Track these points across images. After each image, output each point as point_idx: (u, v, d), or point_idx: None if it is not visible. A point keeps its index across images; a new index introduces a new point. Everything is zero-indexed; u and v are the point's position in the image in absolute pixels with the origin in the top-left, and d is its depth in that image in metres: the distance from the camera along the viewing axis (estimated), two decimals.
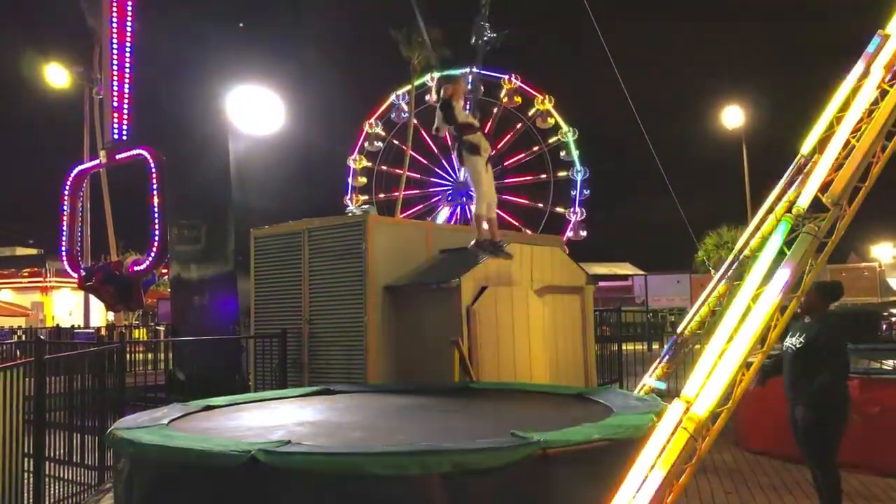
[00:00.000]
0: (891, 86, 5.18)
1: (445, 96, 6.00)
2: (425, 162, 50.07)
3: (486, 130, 6.28)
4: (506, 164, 49.05)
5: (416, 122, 46.20)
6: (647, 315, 29.05)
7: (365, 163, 50.48)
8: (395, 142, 49.75)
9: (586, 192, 47.79)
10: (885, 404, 7.66)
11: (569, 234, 47.14)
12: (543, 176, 48.64)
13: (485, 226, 6.83)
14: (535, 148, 48.53)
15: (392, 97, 49.58)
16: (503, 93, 47.45)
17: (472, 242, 6.01)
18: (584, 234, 48.03)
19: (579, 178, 47.66)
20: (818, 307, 6.02)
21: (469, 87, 46.64)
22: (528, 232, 45.61)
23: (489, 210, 6.15)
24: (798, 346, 5.93)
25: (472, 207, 7.14)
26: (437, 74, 46.24)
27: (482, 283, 8.54)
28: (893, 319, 21.81)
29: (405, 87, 47.23)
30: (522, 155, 49.04)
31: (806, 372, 5.82)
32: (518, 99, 47.46)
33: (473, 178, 6.16)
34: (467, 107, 47.24)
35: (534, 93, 47.28)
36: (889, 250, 56.57)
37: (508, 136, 48.84)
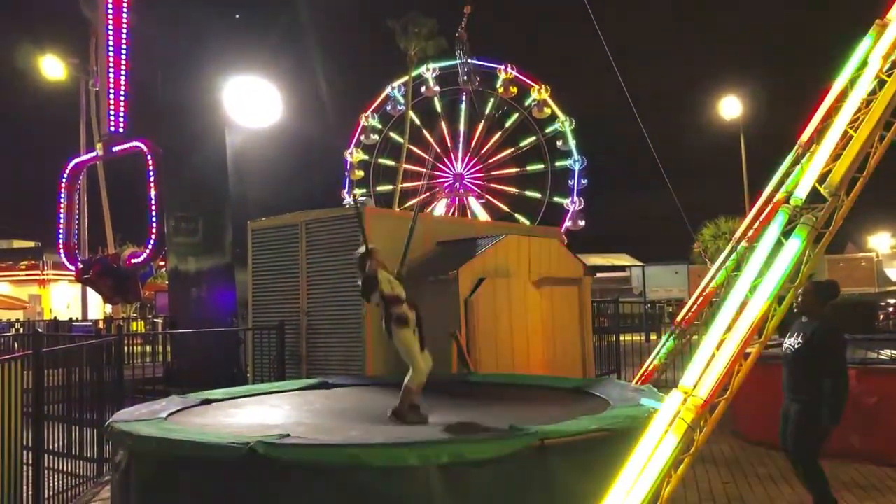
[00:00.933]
0: (889, 75, 5.16)
1: (370, 272, 5.78)
2: (423, 154, 49.96)
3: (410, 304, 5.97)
4: (503, 155, 49.08)
5: (412, 114, 46.09)
6: (644, 306, 29.07)
7: (362, 156, 50.29)
8: (392, 134, 49.58)
9: (584, 181, 47.79)
10: (882, 394, 7.68)
11: (567, 223, 47.18)
12: (541, 166, 48.62)
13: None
14: (533, 138, 48.48)
15: (388, 89, 49.37)
16: (499, 83, 47.34)
17: (390, 412, 5.70)
18: (582, 223, 48.02)
19: (577, 167, 47.64)
20: (814, 307, 6.00)
21: (465, 78, 46.59)
22: (527, 223, 45.73)
23: (420, 382, 5.85)
24: (796, 346, 5.92)
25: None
26: (434, 65, 46.33)
27: (480, 274, 8.54)
28: (890, 310, 21.85)
29: (401, 79, 47.08)
30: (507, 150, 49.11)
31: (805, 372, 5.81)
32: (514, 89, 47.34)
33: (406, 352, 5.83)
34: (462, 108, 47.27)
35: (530, 83, 47.18)
36: (887, 240, 56.64)
37: (491, 134, 48.92)
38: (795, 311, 6.09)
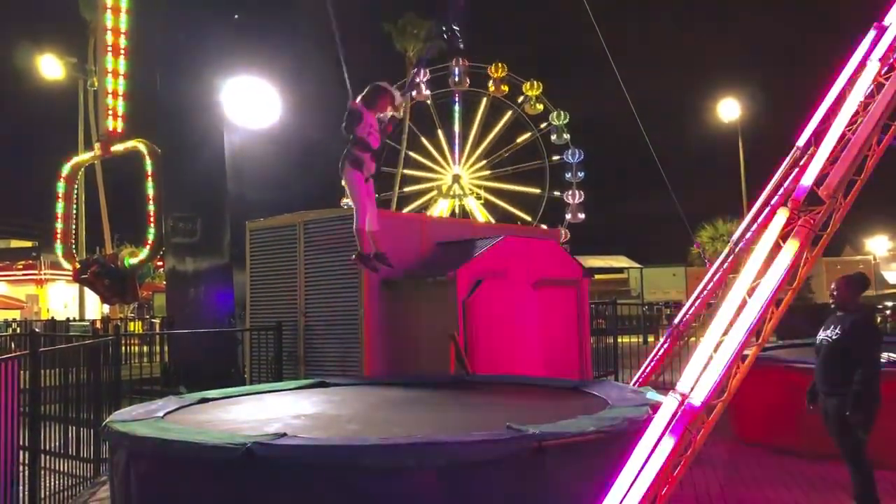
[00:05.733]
0: (886, 79, 5.18)
1: (357, 106, 5.82)
2: (420, 158, 49.98)
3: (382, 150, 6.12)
4: (499, 153, 49.22)
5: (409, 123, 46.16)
6: (642, 308, 29.07)
7: None
8: (389, 140, 49.51)
9: (581, 174, 47.92)
10: (887, 398, 7.67)
11: (567, 216, 47.38)
12: (538, 161, 48.76)
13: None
14: (528, 134, 48.58)
15: None
16: (490, 82, 47.44)
17: (354, 255, 5.83)
18: (582, 216, 48.18)
19: (574, 160, 47.76)
20: (849, 300, 6.04)
21: (456, 79, 46.52)
22: (528, 219, 45.78)
23: (370, 223, 5.95)
24: (833, 338, 5.93)
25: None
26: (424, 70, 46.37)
27: (478, 276, 8.54)
28: (888, 312, 21.92)
29: (395, 85, 47.17)
30: (503, 148, 49.21)
31: (839, 364, 5.83)
32: (505, 87, 47.48)
33: (350, 191, 6.00)
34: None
35: (521, 80, 47.31)
36: (884, 243, 56.73)
37: (487, 133, 49.04)
38: (831, 305, 6.14)
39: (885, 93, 5.02)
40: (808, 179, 4.84)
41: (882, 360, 8.19)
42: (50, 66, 31.85)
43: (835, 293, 6.06)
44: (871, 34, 5.90)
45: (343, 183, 6.04)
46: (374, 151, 5.98)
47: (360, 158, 5.86)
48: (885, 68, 5.35)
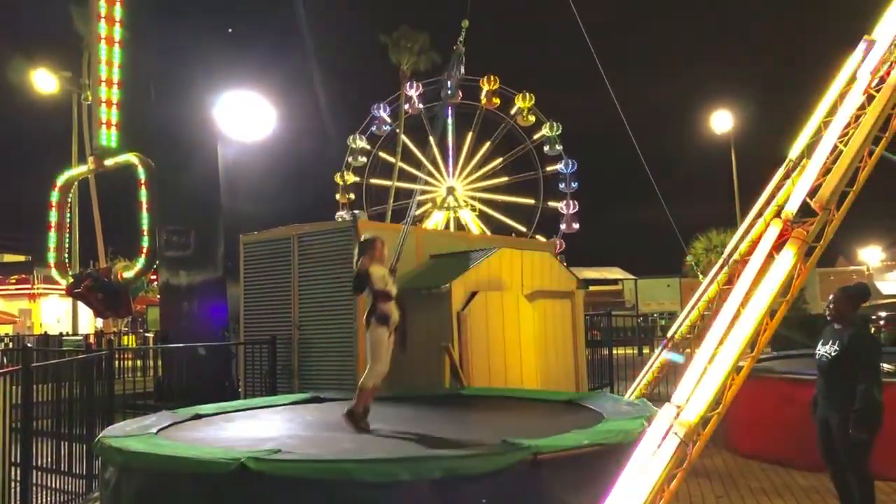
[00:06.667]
0: (877, 91, 5.21)
1: (363, 267, 5.84)
2: (414, 171, 50.06)
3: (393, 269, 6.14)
4: (493, 165, 49.41)
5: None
6: (637, 319, 29.07)
7: (353, 178, 50.26)
8: (382, 154, 49.72)
9: (574, 184, 48.11)
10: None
11: (562, 226, 47.55)
12: (532, 172, 48.95)
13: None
14: (521, 146, 48.79)
15: (372, 110, 49.52)
16: (482, 94, 47.66)
17: (346, 411, 5.74)
18: (576, 226, 48.32)
19: (568, 170, 47.95)
20: (847, 312, 5.98)
21: (449, 92, 46.80)
22: (522, 229, 45.87)
23: (376, 383, 5.89)
24: (833, 354, 5.88)
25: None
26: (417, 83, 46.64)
27: (473, 288, 8.54)
28: (882, 322, 21.95)
29: (387, 99, 47.60)
30: (497, 160, 49.40)
31: (842, 380, 5.78)
32: (497, 100, 47.70)
33: (373, 350, 5.81)
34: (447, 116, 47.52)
35: (513, 92, 47.54)
36: (877, 254, 56.97)
37: (480, 144, 49.29)
38: (828, 318, 6.11)
39: (876, 105, 5.05)
40: (800, 191, 4.86)
41: (882, 372, 8.22)
42: (44, 80, 31.86)
43: (832, 305, 6.00)
44: (861, 47, 5.94)
45: (368, 337, 5.92)
46: (394, 298, 5.95)
47: (386, 314, 5.81)
48: (876, 80, 5.38)
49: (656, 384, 8.62)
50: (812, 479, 7.49)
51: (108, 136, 11.73)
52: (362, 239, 6.00)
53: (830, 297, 6.04)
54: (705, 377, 4.29)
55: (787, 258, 4.52)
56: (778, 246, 4.62)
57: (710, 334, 4.51)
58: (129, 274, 13.85)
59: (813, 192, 4.81)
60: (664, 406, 4.32)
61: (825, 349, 5.97)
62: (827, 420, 5.94)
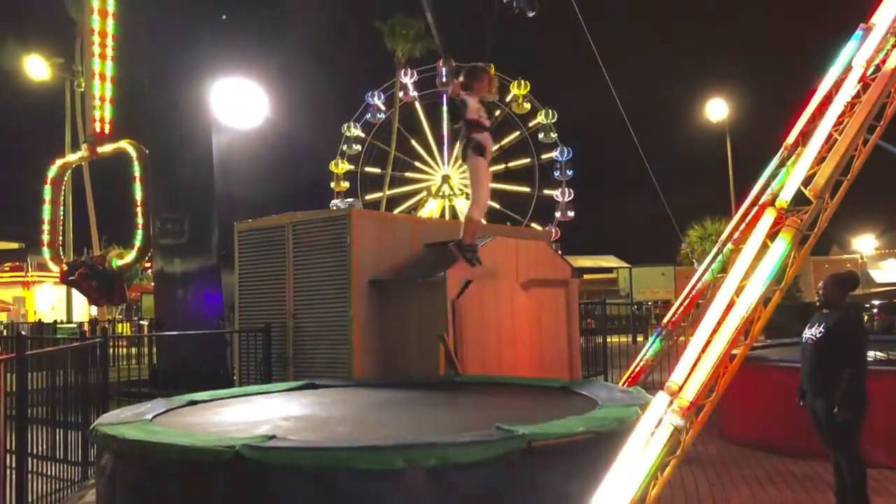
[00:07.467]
0: (872, 80, 5.21)
1: (458, 91, 5.84)
2: (408, 159, 50.00)
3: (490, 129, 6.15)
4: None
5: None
6: (631, 307, 29.15)
7: (347, 166, 50.11)
8: (376, 142, 49.59)
9: (569, 172, 48.10)
10: (871, 395, 7.72)
11: (557, 214, 47.57)
12: (528, 160, 48.90)
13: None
14: (517, 133, 48.69)
15: (367, 98, 49.33)
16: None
17: (453, 242, 5.86)
18: (571, 214, 48.36)
19: (563, 158, 47.92)
20: (835, 299, 6.06)
21: (444, 80, 46.63)
22: (518, 218, 45.86)
23: (481, 213, 6.01)
24: (817, 336, 5.96)
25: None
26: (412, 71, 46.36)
27: (467, 276, 8.54)
28: (874, 311, 22.06)
29: (381, 87, 47.39)
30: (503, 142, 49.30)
31: (825, 363, 5.85)
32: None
33: (473, 179, 5.93)
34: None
35: (508, 79, 47.38)
36: (871, 242, 57.12)
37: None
38: (817, 303, 6.17)
39: (871, 93, 5.05)
40: (795, 180, 4.86)
41: (869, 359, 8.28)
42: (36, 67, 31.66)
43: (821, 292, 6.09)
44: (858, 34, 5.93)
45: (469, 169, 5.99)
46: (490, 130, 5.98)
47: (482, 143, 5.85)
48: (871, 69, 5.38)
49: (650, 372, 8.66)
50: (805, 467, 7.54)
51: (101, 127, 11.65)
52: (471, 65, 6.00)
53: (820, 284, 6.11)
54: (699, 365, 4.31)
55: (781, 247, 4.53)
56: (772, 234, 4.63)
57: (704, 323, 4.53)
58: (121, 262, 13.81)
59: (807, 181, 4.82)
60: (658, 394, 4.34)
61: (811, 332, 6.04)
62: (814, 407, 5.99)
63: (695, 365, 4.33)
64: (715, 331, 4.43)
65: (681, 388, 4.24)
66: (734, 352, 4.47)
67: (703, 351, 4.37)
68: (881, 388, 7.12)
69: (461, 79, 5.94)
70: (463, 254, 5.82)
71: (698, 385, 4.23)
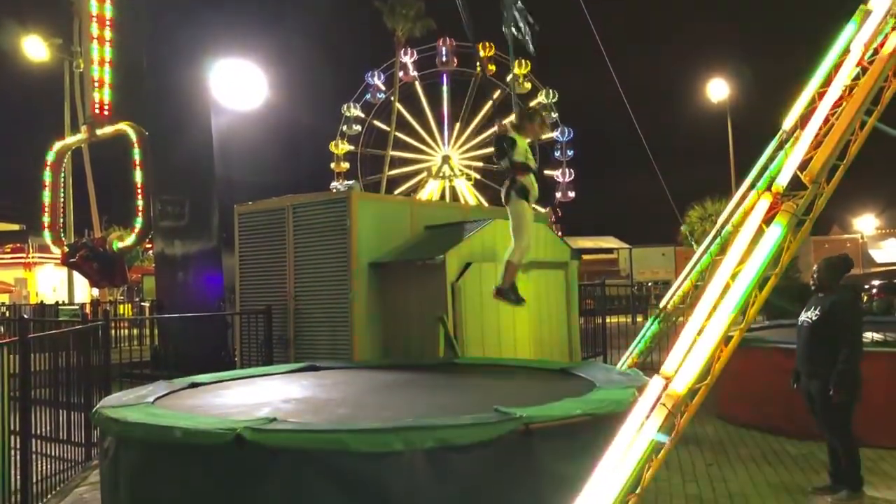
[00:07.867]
0: (870, 63, 5.20)
1: (505, 131, 5.76)
2: (408, 140, 49.84)
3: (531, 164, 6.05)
4: (489, 133, 49.27)
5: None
6: (632, 288, 29.21)
7: (347, 147, 49.96)
8: (376, 122, 49.42)
9: (570, 152, 48.00)
10: (868, 377, 7.78)
11: (557, 195, 47.53)
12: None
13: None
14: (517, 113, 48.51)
15: (367, 78, 49.09)
16: (478, 61, 47.34)
17: (495, 289, 5.82)
18: (572, 194, 48.34)
19: (564, 138, 47.81)
20: (829, 282, 6.12)
21: (444, 59, 46.37)
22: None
23: (521, 258, 5.92)
24: (813, 319, 6.03)
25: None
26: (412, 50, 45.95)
27: (467, 259, 8.57)
28: (874, 291, 22.10)
29: (381, 66, 47.17)
30: (493, 129, 49.04)
31: (820, 346, 5.92)
32: (492, 67, 47.34)
33: (515, 224, 5.78)
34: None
35: (509, 58, 47.14)
36: (871, 222, 57.10)
37: (476, 112, 48.92)
38: (812, 287, 6.24)
39: (868, 78, 5.04)
40: (791, 164, 4.87)
41: (865, 341, 8.32)
42: (35, 48, 31.46)
43: (815, 275, 6.16)
44: (858, 17, 5.91)
45: (510, 212, 5.91)
46: (535, 173, 5.90)
47: (527, 187, 5.75)
48: (870, 52, 5.36)
49: (648, 353, 8.71)
50: (802, 447, 7.62)
51: (101, 111, 11.62)
52: (528, 105, 6.00)
53: (814, 267, 6.17)
54: (694, 348, 4.35)
55: (777, 232, 4.55)
56: (768, 219, 4.65)
57: (700, 306, 4.56)
58: (122, 244, 13.86)
59: (804, 166, 4.83)
60: (654, 377, 4.38)
61: (806, 315, 6.11)
62: (808, 389, 6.06)
63: (690, 348, 4.36)
64: (710, 314, 4.46)
65: (675, 373, 4.28)
66: (731, 333, 4.50)
67: (699, 334, 4.40)
68: (878, 369, 7.19)
69: (515, 120, 5.87)
70: (506, 297, 5.78)
71: (694, 368, 4.27)
